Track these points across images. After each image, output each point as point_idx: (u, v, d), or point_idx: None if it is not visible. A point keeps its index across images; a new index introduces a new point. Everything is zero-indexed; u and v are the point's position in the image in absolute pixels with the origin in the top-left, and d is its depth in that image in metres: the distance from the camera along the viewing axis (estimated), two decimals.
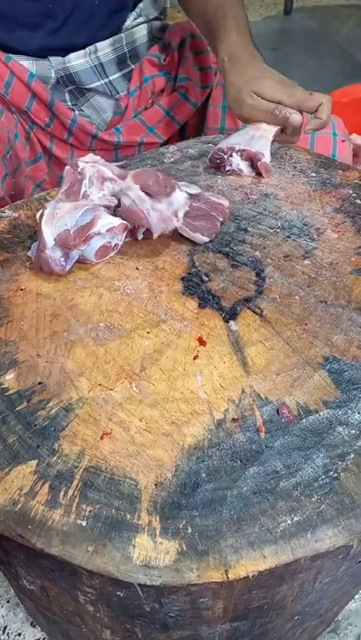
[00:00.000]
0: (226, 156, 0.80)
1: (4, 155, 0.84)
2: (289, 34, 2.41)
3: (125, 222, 0.66)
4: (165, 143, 0.99)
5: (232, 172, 0.81)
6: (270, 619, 0.57)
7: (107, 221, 0.65)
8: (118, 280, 0.65)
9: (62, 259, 0.64)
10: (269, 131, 0.81)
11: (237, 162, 0.80)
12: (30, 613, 0.85)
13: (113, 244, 0.67)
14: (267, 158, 0.80)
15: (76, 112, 0.95)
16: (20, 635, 0.88)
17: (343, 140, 0.94)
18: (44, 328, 0.60)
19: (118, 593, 0.48)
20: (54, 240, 0.63)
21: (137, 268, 0.67)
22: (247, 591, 0.49)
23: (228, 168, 0.81)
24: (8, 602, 0.91)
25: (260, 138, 0.80)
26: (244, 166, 0.81)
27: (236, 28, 0.84)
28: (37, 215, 0.66)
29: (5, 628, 0.89)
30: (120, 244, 0.68)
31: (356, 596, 0.91)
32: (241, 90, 0.79)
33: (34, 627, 0.88)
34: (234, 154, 0.80)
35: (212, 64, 0.99)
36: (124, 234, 0.68)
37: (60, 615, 0.62)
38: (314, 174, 0.81)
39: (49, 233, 0.63)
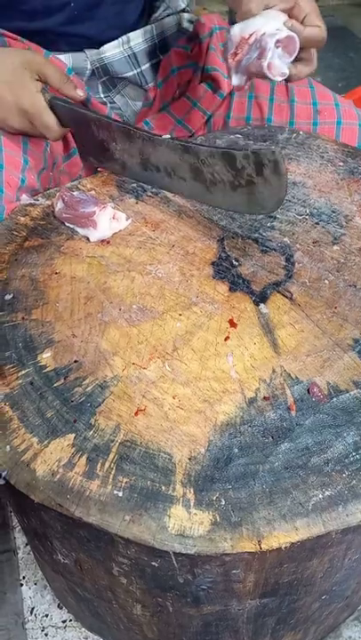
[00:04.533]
0: (261, 45, 0.72)
1: (44, 149, 0.87)
2: None
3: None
4: (192, 134, 1.00)
5: (269, 67, 0.72)
6: (299, 596, 0.58)
7: None
8: (150, 264, 0.67)
9: None
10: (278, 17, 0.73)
11: (273, 50, 0.72)
12: (58, 594, 0.87)
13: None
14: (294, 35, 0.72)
15: (109, 105, 0.97)
16: (47, 616, 0.90)
17: None
18: (79, 310, 0.62)
19: (153, 563, 0.49)
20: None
21: (168, 253, 0.68)
22: (278, 564, 0.50)
23: (265, 62, 0.72)
24: (35, 584, 0.93)
25: (273, 19, 0.72)
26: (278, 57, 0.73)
27: None
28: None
29: (33, 609, 0.91)
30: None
31: None
32: None
33: (61, 608, 0.90)
34: (267, 40, 0.71)
35: None
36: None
37: (91, 591, 0.64)
38: (341, 163, 0.81)
39: None
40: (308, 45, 0.75)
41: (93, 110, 0.81)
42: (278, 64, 0.73)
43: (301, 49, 0.74)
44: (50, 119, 0.76)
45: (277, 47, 0.72)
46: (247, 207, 0.67)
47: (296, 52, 0.73)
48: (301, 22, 0.73)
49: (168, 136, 0.72)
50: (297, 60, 0.75)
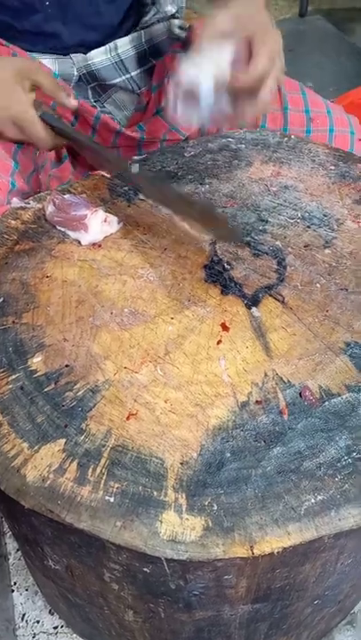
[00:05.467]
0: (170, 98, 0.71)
1: (34, 151, 0.86)
2: (304, 35, 2.42)
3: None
4: (186, 139, 1.00)
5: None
6: (291, 601, 0.58)
7: None
8: (142, 268, 0.67)
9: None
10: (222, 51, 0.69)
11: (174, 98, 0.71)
12: (49, 600, 0.86)
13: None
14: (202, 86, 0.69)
15: (99, 109, 0.97)
16: (38, 622, 0.89)
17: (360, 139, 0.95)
18: (70, 313, 0.62)
19: (144, 569, 0.49)
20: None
21: (160, 257, 0.68)
22: (271, 569, 0.50)
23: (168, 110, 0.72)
24: (27, 590, 0.92)
25: (215, 56, 0.69)
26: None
27: None
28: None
29: (24, 615, 0.90)
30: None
31: None
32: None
33: (52, 614, 0.89)
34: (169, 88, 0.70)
35: None
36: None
37: (82, 596, 0.63)
38: (333, 167, 0.81)
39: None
40: (257, 85, 0.71)
41: (81, 134, 0.82)
42: (181, 112, 0.71)
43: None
44: (40, 131, 0.77)
45: (178, 95, 0.71)
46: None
47: (202, 99, 0.70)
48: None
49: (137, 167, 0.74)
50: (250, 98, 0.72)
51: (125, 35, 0.94)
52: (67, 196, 0.74)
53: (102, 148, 0.79)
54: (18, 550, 0.95)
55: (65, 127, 0.78)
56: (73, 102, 0.80)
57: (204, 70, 0.69)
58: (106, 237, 0.71)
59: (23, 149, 0.83)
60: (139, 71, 0.97)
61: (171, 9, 1.01)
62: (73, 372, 0.56)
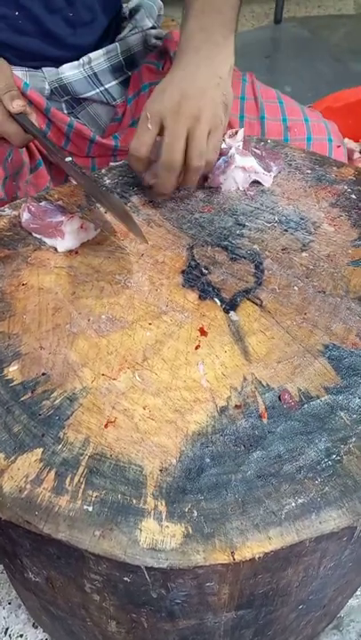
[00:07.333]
0: None
1: (6, 158, 0.85)
2: (281, 42, 2.45)
3: None
4: None
5: None
6: (275, 607, 0.58)
7: None
8: (119, 274, 0.66)
9: None
10: None
11: None
12: (32, 613, 0.85)
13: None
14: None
15: (73, 118, 0.96)
16: (21, 636, 0.88)
17: (338, 146, 0.96)
18: (47, 321, 0.61)
19: (125, 578, 0.48)
20: None
21: (137, 263, 0.68)
22: (253, 575, 0.49)
23: None
24: (10, 604, 0.91)
25: None
26: None
27: (201, 9, 0.74)
28: None
29: (7, 629, 0.89)
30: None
31: (358, 592, 0.91)
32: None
33: (36, 628, 0.88)
34: None
35: None
36: None
37: (64, 609, 0.62)
38: (309, 171, 0.82)
39: None
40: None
41: (45, 141, 0.78)
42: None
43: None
44: (10, 128, 0.76)
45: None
46: None
47: None
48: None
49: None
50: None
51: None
52: (42, 203, 0.73)
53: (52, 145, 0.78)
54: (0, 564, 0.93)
55: (30, 128, 0.77)
56: (13, 107, 0.75)
57: None
58: (82, 244, 0.70)
59: None
60: (114, 83, 0.96)
61: (148, 22, 1.01)
62: (50, 381, 0.56)
